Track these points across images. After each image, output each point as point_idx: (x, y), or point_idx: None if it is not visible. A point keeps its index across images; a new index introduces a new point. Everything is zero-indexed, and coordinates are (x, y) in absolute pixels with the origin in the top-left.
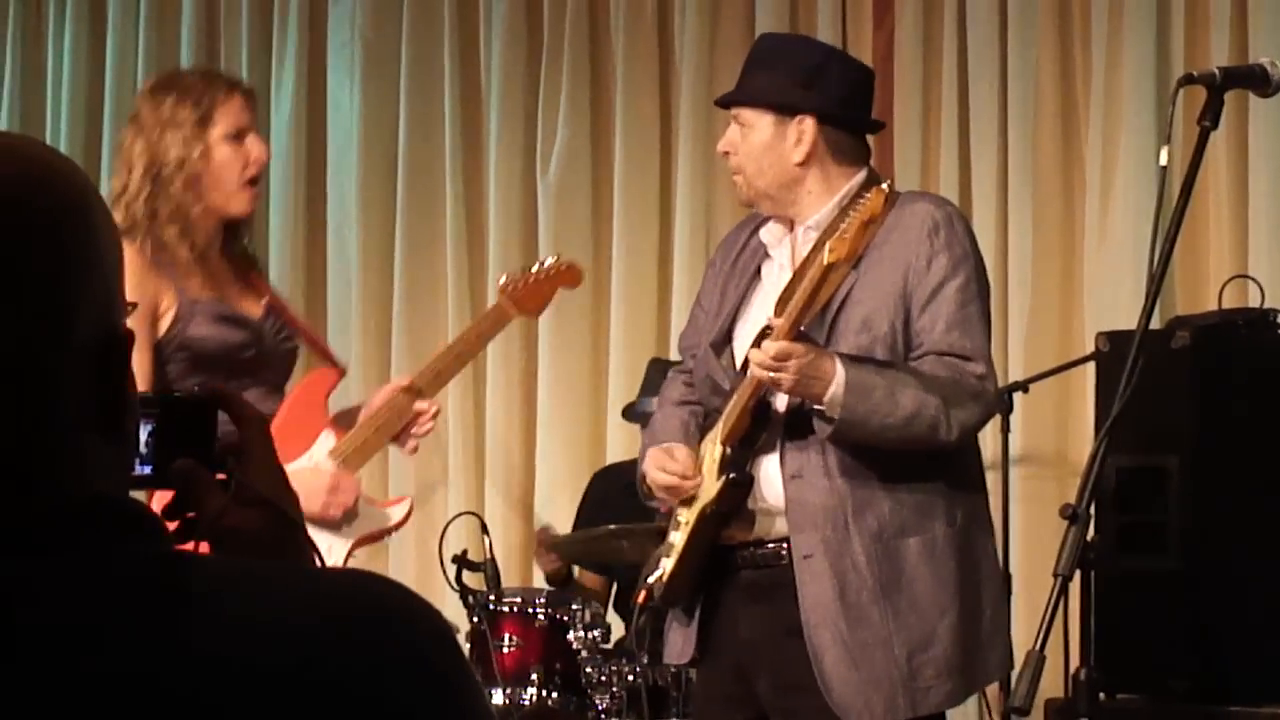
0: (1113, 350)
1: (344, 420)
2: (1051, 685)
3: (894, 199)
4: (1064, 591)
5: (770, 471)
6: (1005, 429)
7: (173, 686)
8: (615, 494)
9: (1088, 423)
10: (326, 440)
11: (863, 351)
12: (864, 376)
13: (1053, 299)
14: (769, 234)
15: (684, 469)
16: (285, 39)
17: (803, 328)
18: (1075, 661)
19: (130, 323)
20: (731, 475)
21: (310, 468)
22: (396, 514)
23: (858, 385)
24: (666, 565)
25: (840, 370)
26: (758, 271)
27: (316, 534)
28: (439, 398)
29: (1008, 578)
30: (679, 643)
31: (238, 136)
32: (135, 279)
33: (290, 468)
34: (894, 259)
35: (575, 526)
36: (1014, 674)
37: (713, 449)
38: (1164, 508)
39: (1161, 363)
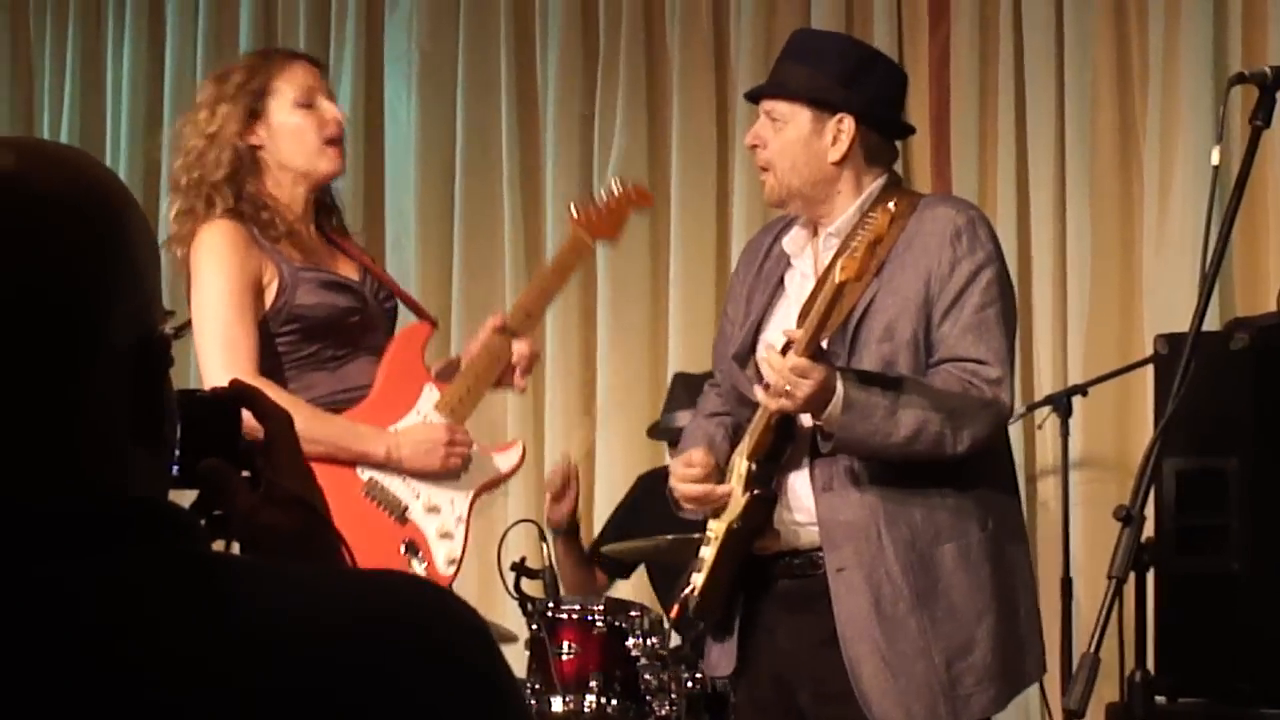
0: (1172, 353)
1: (444, 374)
2: (1112, 689)
3: (909, 210)
4: (1119, 593)
5: (800, 485)
6: (1065, 432)
7: (211, 688)
8: (659, 500)
9: (1148, 426)
10: (430, 394)
11: (885, 359)
12: (865, 396)
13: (1112, 301)
14: (791, 243)
15: (700, 471)
16: (342, 51)
17: (823, 343)
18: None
19: (233, 298)
20: (755, 491)
21: (422, 424)
22: (511, 458)
23: (857, 405)
24: (697, 580)
25: (840, 388)
26: (781, 281)
27: (437, 488)
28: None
29: (1068, 581)
30: (717, 656)
31: (307, 103)
32: (237, 256)
33: (401, 425)
34: (916, 265)
35: (611, 523)
36: (1073, 675)
37: (740, 463)
38: (1224, 510)
39: (1220, 364)
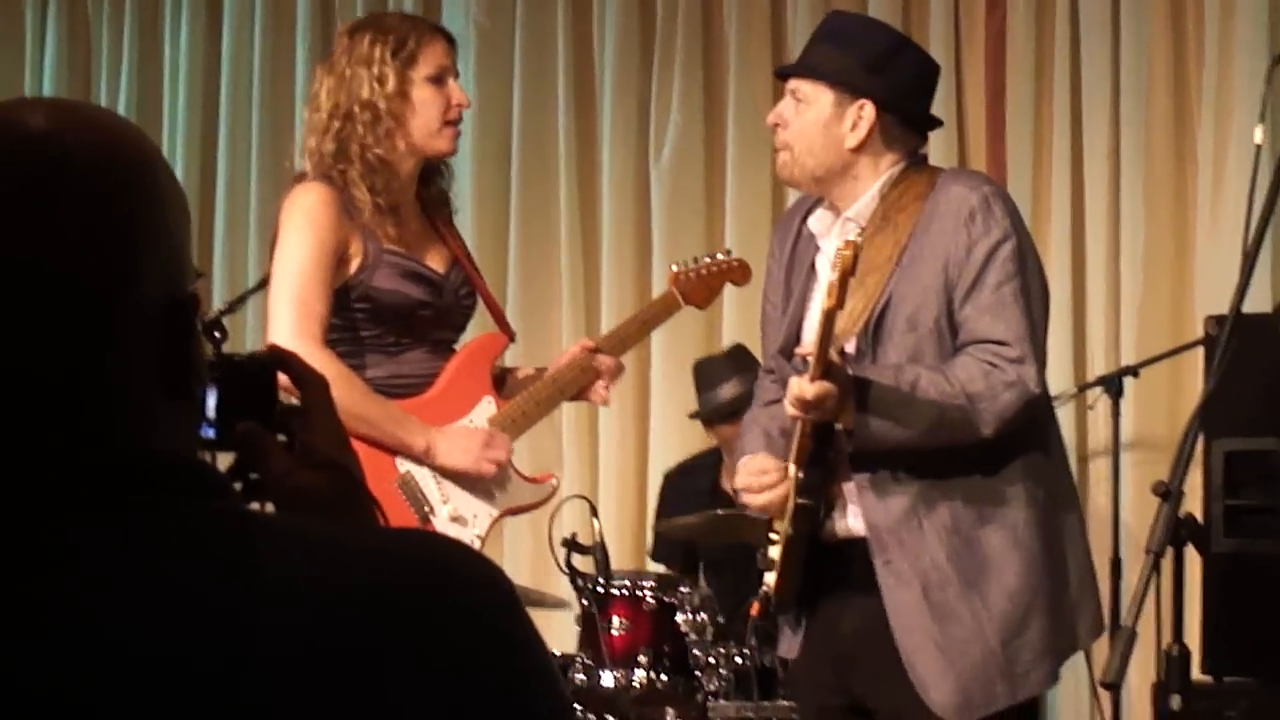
0: (1222, 334)
1: (503, 383)
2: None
3: (926, 189)
4: (1156, 567)
5: (848, 486)
6: (1116, 414)
7: (240, 643)
8: (692, 498)
9: None
10: (487, 407)
11: (910, 350)
12: (879, 394)
13: (1165, 283)
14: (817, 223)
15: (775, 477)
16: None
17: (846, 347)
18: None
19: (314, 263)
20: (799, 501)
21: (463, 425)
22: (543, 491)
23: (872, 403)
24: (770, 579)
25: (855, 392)
26: (814, 265)
27: (467, 501)
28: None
29: (1117, 561)
30: (789, 641)
31: (439, 79)
32: (328, 221)
33: (448, 428)
34: (933, 250)
35: (656, 525)
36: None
37: (792, 470)
38: (1272, 491)
39: (1270, 346)
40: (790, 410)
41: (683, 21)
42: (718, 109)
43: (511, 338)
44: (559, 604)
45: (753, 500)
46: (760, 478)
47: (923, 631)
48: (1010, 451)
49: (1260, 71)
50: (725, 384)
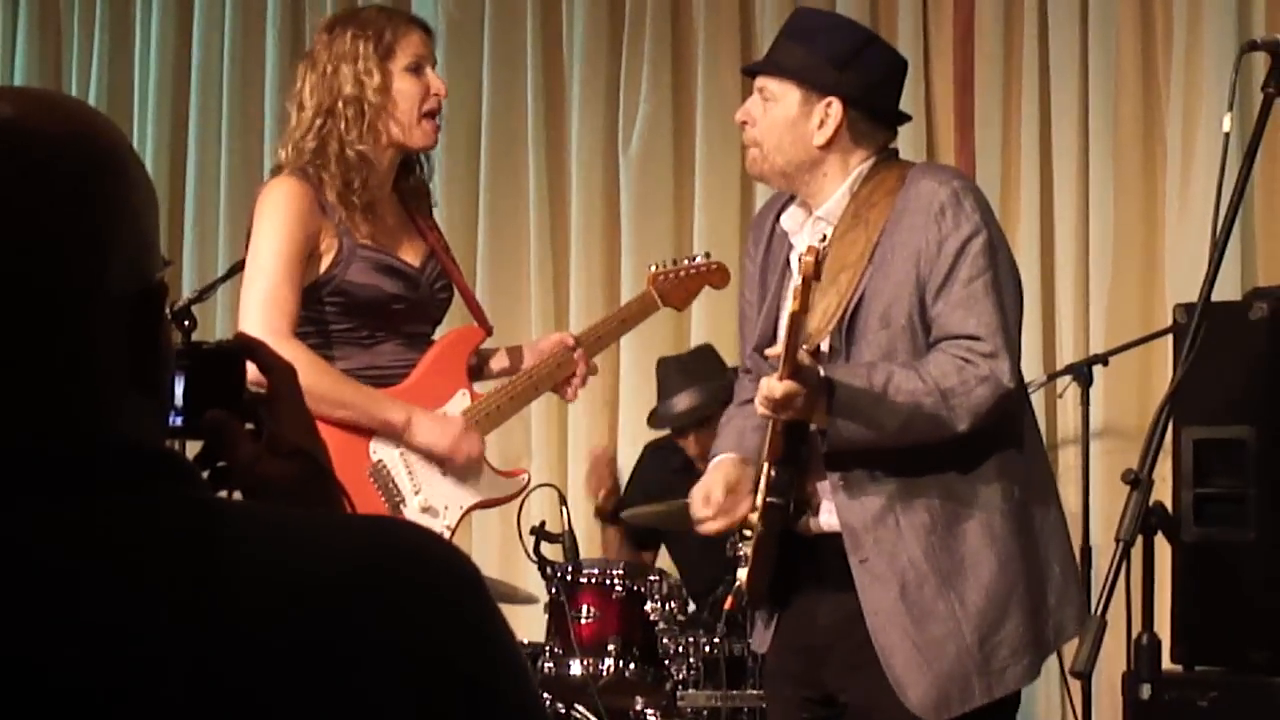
0: (1191, 322)
1: (480, 369)
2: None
3: (897, 184)
4: (1126, 556)
5: (822, 483)
6: (1085, 402)
7: (207, 629)
8: (666, 474)
9: None
10: (461, 400)
11: (884, 347)
12: (851, 392)
13: (1134, 271)
14: (790, 220)
15: (714, 510)
16: None
17: (821, 345)
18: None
19: (285, 258)
20: (769, 500)
21: (442, 414)
22: (514, 485)
23: (845, 402)
24: (742, 574)
25: (826, 392)
26: (788, 262)
27: (438, 492)
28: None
29: (1087, 550)
30: (761, 633)
31: (417, 69)
32: (300, 215)
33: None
34: (905, 246)
35: (625, 499)
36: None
37: (765, 467)
38: (1242, 479)
39: (1239, 334)
40: (760, 410)
41: (651, 12)
42: (687, 99)
43: (489, 331)
44: (529, 600)
45: (703, 529)
46: (701, 510)
47: (900, 631)
48: (985, 447)
49: (1229, 60)
50: (679, 395)
